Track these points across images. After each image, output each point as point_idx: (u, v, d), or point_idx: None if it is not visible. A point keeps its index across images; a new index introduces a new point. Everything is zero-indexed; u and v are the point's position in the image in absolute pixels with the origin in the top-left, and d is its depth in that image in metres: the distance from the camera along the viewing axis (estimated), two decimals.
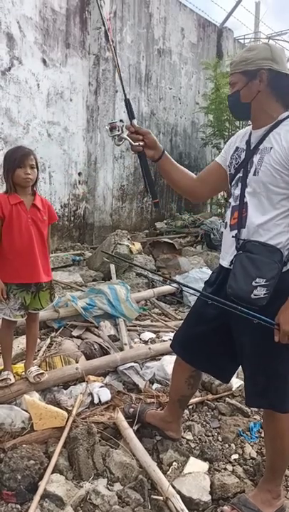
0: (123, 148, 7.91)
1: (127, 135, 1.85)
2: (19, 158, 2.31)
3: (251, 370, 1.78)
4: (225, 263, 1.82)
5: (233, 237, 1.75)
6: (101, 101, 7.21)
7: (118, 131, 1.82)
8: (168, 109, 9.11)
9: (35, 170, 2.38)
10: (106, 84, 7.26)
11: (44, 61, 6.35)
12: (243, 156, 1.78)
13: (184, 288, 4.35)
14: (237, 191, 1.77)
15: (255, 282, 1.59)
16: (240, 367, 1.89)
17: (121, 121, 1.85)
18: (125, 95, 1.90)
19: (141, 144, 1.85)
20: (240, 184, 1.76)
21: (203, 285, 2.02)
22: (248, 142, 1.79)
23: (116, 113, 7.52)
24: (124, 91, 1.93)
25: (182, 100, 9.53)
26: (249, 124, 1.85)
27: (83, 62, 7.03)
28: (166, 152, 1.95)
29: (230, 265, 1.75)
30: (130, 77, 7.98)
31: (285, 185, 1.63)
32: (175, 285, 4.77)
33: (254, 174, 1.69)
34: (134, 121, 1.85)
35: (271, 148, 1.65)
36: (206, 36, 10.07)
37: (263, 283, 1.58)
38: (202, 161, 10.11)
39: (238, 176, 1.78)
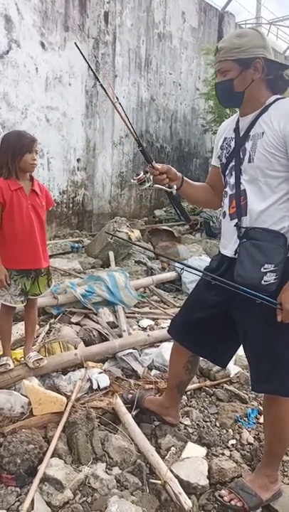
0: (122, 134, 7.84)
1: (154, 180, 1.86)
2: (28, 143, 2.30)
3: (255, 357, 1.79)
4: (228, 252, 1.81)
5: (234, 226, 1.75)
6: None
7: (147, 182, 1.85)
8: (168, 95, 9.01)
9: (37, 156, 2.39)
10: (105, 68, 7.16)
11: (42, 44, 6.24)
12: (233, 145, 1.78)
13: (188, 269, 4.36)
14: (232, 180, 1.77)
15: (264, 268, 1.59)
16: (238, 353, 1.90)
17: (146, 172, 1.85)
18: (140, 144, 1.89)
19: (168, 182, 1.87)
20: (234, 173, 1.76)
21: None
22: (236, 130, 1.78)
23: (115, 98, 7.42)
24: (137, 140, 1.91)
25: (182, 86, 9.42)
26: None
27: (82, 46, 6.91)
28: (184, 177, 1.95)
29: (234, 254, 1.74)
30: (130, 61, 7.87)
31: (281, 167, 1.63)
32: (175, 271, 4.77)
33: (249, 161, 1.68)
34: (154, 163, 1.85)
35: (263, 133, 1.64)
36: (207, 20, 9.91)
37: (272, 268, 1.59)
38: (202, 148, 10.04)
39: (231, 165, 1.78)
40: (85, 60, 2.23)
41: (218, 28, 10.30)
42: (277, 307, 1.60)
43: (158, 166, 1.84)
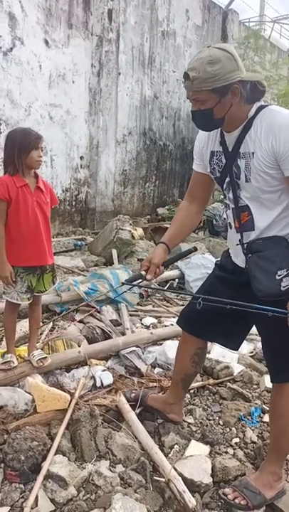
0: (125, 132, 7.83)
1: (152, 279, 1.92)
2: (34, 140, 2.30)
3: (270, 352, 1.86)
4: (239, 262, 1.85)
5: (237, 244, 1.79)
6: (104, 83, 7.11)
7: (145, 291, 1.94)
8: (171, 93, 8.99)
9: (42, 153, 2.40)
10: (109, 66, 7.15)
11: (46, 42, 6.23)
12: (224, 160, 1.77)
13: (187, 278, 4.35)
14: (231, 195, 1.78)
15: (278, 276, 1.61)
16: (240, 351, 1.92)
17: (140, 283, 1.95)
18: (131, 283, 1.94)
19: (160, 270, 1.93)
20: (231, 187, 1.77)
21: (205, 271, 2.03)
22: (223, 143, 1.76)
23: (119, 96, 7.42)
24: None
25: None
26: None
27: (86, 44, 6.90)
28: (166, 242, 1.97)
29: (245, 266, 1.76)
30: (133, 59, 7.85)
31: (278, 182, 1.64)
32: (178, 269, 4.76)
33: (246, 181, 1.69)
34: (143, 273, 1.90)
35: (253, 153, 1.64)
36: (211, 18, 9.88)
37: (286, 273, 1.61)
38: None
39: (227, 180, 1.78)
40: None
41: (222, 26, 10.26)
42: (287, 316, 1.59)
43: (148, 276, 1.89)
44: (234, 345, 2.07)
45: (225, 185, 1.80)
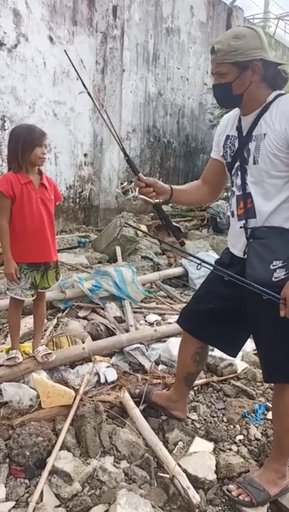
0: (129, 129, 7.82)
1: (139, 191, 1.83)
2: (38, 137, 2.30)
3: (265, 349, 1.82)
4: (236, 252, 1.83)
5: (241, 227, 1.76)
6: (108, 80, 7.10)
7: (131, 192, 1.84)
8: (175, 90, 8.97)
9: (46, 150, 2.39)
10: (113, 63, 7.13)
11: (51, 38, 6.23)
12: (236, 144, 1.78)
13: (204, 264, 4.36)
14: (238, 181, 1.78)
15: (273, 266, 1.61)
16: (244, 349, 1.91)
17: (130, 182, 1.85)
18: (126, 154, 1.87)
19: (154, 196, 1.84)
20: (239, 173, 1.76)
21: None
22: (238, 128, 1.77)
23: (123, 93, 7.40)
24: (123, 150, 1.87)
25: (190, 81, 9.37)
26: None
27: (90, 40, 6.89)
28: (173, 187, 1.93)
29: (243, 254, 1.76)
30: (138, 56, 7.84)
31: (285, 167, 1.64)
32: (182, 267, 4.76)
33: (254, 163, 1.69)
34: (140, 175, 1.83)
35: (265, 134, 1.64)
36: (216, 15, 9.84)
37: (281, 264, 1.61)
38: (209, 144, 9.98)
39: (236, 165, 1.78)
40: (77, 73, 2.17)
41: (226, 22, 10.22)
42: (280, 302, 1.60)
43: (144, 178, 1.83)
44: (232, 352, 2.05)
45: (234, 171, 1.80)
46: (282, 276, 1.62)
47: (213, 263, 2.05)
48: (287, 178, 1.65)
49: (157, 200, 1.85)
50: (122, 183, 1.86)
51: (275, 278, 1.62)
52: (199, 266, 1.74)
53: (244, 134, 1.74)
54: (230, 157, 1.81)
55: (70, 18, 6.50)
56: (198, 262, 1.74)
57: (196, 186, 2.06)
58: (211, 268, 1.80)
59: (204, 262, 1.77)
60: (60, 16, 6.33)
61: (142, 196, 1.83)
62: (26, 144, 2.28)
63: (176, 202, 2.02)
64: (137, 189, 1.83)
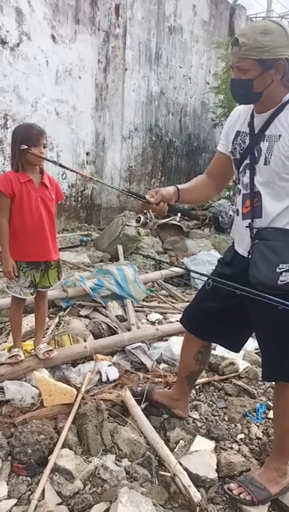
0: (132, 128, 7.82)
1: (155, 216, 1.83)
2: (34, 136, 2.29)
3: (267, 349, 1.82)
4: (241, 251, 1.81)
5: (246, 226, 1.74)
6: (110, 79, 7.09)
7: (150, 220, 1.82)
8: (178, 89, 8.95)
9: (46, 149, 2.38)
10: (115, 61, 7.12)
11: (53, 37, 6.22)
12: (247, 141, 1.74)
13: (193, 274, 4.36)
14: (246, 179, 1.75)
15: (279, 269, 1.58)
16: (246, 348, 1.90)
17: (144, 213, 1.83)
18: (128, 191, 1.88)
19: (167, 209, 1.84)
20: (248, 171, 1.73)
21: (210, 268, 2.02)
22: (251, 125, 1.73)
23: (125, 92, 7.40)
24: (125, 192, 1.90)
25: (192, 80, 9.35)
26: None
27: (93, 39, 6.88)
28: (178, 187, 1.92)
29: (248, 254, 1.74)
30: (140, 55, 7.82)
31: None
32: (183, 266, 4.76)
33: (265, 163, 1.65)
34: (148, 198, 1.82)
35: (280, 136, 1.61)
36: (218, 14, 9.81)
37: (287, 268, 1.58)
38: (211, 143, 9.97)
39: (245, 163, 1.75)
40: None
41: (229, 21, 10.18)
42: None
43: (152, 199, 1.81)
44: (236, 348, 2.06)
45: (241, 168, 1.77)
46: (288, 280, 1.60)
47: (216, 262, 2.06)
48: None
49: (178, 216, 1.86)
50: (138, 220, 1.82)
51: (281, 281, 1.59)
52: (209, 283, 1.73)
53: (256, 132, 1.70)
54: (239, 154, 1.78)
55: (73, 17, 6.49)
56: (206, 278, 1.74)
57: (201, 183, 2.03)
58: (221, 285, 1.75)
59: (212, 277, 1.76)
60: (63, 15, 6.33)
61: (163, 221, 1.85)
62: (23, 143, 2.28)
63: (183, 202, 1.99)
64: (153, 214, 1.82)
